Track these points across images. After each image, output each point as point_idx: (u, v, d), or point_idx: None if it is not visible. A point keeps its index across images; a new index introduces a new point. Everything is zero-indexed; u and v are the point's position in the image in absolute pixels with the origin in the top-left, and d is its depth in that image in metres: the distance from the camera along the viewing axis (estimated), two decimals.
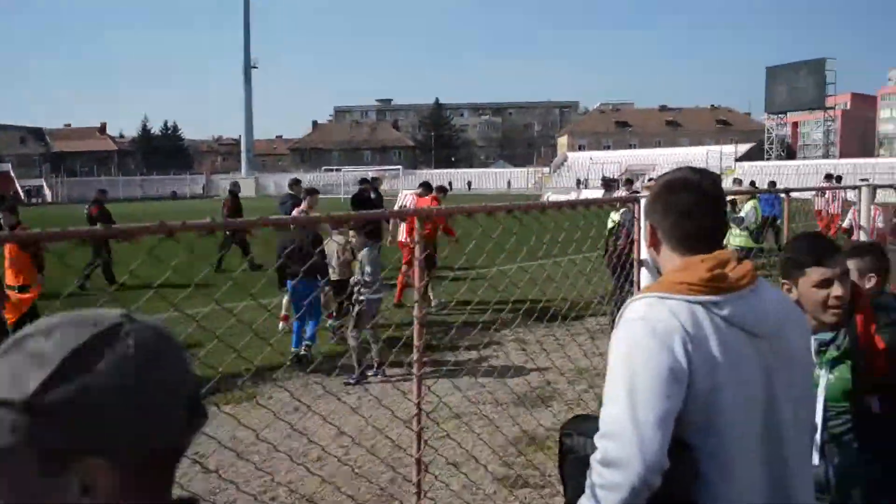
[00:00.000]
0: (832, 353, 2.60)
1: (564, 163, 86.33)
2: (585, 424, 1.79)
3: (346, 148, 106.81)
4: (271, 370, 7.60)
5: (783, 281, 2.61)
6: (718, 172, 51.64)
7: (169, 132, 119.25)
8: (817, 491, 2.52)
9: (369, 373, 7.66)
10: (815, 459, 2.52)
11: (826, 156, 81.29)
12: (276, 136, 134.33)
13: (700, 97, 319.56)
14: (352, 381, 7.40)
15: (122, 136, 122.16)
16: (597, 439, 1.63)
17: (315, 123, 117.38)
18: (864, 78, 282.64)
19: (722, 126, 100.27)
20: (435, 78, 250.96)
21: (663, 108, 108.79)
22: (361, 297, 7.58)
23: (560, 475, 1.95)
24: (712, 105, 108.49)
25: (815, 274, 2.49)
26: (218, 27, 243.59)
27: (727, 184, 18.90)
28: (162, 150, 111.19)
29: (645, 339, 1.63)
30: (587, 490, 1.64)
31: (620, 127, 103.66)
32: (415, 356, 3.12)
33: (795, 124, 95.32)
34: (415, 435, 3.18)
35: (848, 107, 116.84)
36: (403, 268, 11.22)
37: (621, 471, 1.55)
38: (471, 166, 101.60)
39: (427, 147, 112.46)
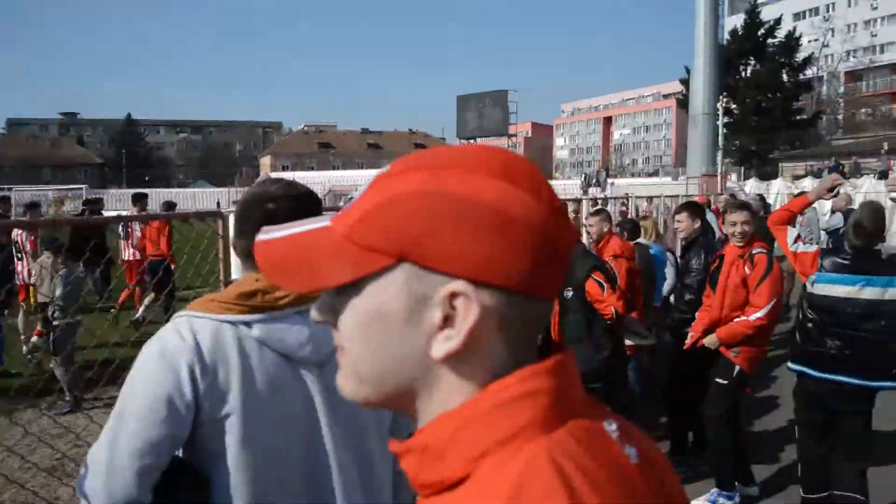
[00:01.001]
0: None
1: None
2: None
3: (20, 165, 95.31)
4: None
5: None
6: None
7: None
8: None
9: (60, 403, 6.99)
10: None
11: None
12: None
13: (399, 122, 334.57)
14: (65, 410, 6.81)
15: None
16: (82, 469, 1.45)
17: None
18: (542, 110, 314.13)
19: (419, 149, 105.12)
20: (127, 93, 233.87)
21: (365, 131, 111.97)
22: (56, 323, 7.05)
23: None
24: (410, 129, 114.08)
25: None
26: None
27: None
28: None
29: (151, 361, 1.47)
30: None
31: (324, 148, 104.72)
32: None
33: None
34: None
35: (529, 134, 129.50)
36: (127, 289, 11.03)
37: None
38: (168, 186, 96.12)
39: (118, 165, 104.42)
